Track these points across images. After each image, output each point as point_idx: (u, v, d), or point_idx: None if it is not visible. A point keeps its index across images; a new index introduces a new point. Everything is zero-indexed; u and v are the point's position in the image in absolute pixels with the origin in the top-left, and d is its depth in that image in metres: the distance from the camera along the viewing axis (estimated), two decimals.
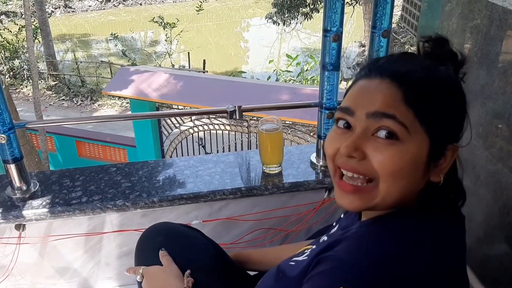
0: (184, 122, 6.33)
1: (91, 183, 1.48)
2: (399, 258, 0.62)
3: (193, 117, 6.10)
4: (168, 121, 6.41)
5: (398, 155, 0.65)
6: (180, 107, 6.23)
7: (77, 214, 1.39)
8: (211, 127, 6.13)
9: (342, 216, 0.91)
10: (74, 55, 16.09)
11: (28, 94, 11.82)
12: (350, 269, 0.62)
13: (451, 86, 0.70)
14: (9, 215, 1.36)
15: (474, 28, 1.22)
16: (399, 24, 14.83)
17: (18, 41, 12.72)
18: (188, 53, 12.79)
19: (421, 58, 0.73)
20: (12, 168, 1.38)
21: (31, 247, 1.49)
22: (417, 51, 0.74)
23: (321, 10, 2.21)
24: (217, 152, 6.41)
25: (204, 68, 11.42)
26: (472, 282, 1.17)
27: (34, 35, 10.71)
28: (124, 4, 20.76)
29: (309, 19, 13.13)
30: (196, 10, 11.94)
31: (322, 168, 1.52)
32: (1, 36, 12.37)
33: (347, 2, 13.24)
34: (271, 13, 13.62)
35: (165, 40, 12.44)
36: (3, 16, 15.10)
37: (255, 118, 5.68)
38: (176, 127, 6.43)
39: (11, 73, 12.70)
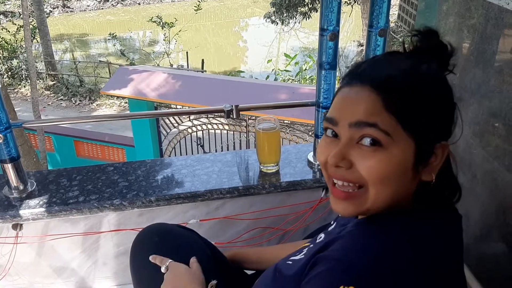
0: (182, 122, 6.33)
1: (88, 183, 1.48)
2: (393, 256, 0.62)
3: (192, 117, 6.10)
4: (167, 120, 6.41)
5: (384, 161, 0.66)
6: (178, 106, 6.23)
7: (74, 213, 1.39)
8: (209, 126, 6.14)
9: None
10: (73, 55, 16.09)
11: (26, 94, 11.81)
12: (347, 268, 0.62)
13: (433, 85, 0.69)
14: (6, 214, 1.36)
15: (471, 27, 1.22)
16: (397, 24, 14.84)
17: (16, 41, 12.71)
18: (187, 52, 12.79)
19: (403, 58, 0.72)
20: (9, 167, 1.38)
21: (28, 247, 1.48)
22: (403, 49, 0.74)
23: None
24: (216, 151, 6.41)
25: (202, 67, 11.43)
26: (468, 280, 1.17)
27: (32, 35, 10.71)
28: (122, 3, 20.75)
29: (307, 18, 13.12)
30: (195, 10, 11.93)
31: (319, 167, 1.52)
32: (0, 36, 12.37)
33: (345, 2, 13.25)
34: (270, 12, 13.63)
35: (164, 40, 12.44)
36: (1, 16, 15.08)
37: (253, 118, 5.68)
38: (174, 127, 6.43)
39: (9, 73, 12.68)
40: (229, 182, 1.46)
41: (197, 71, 10.07)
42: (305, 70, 11.31)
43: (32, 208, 1.37)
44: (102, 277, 1.60)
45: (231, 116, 1.49)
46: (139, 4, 20.92)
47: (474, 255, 1.20)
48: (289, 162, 1.55)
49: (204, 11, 14.89)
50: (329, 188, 0.74)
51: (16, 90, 12.32)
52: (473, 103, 1.19)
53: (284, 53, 12.94)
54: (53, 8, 19.73)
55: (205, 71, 11.37)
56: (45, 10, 14.05)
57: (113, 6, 20.67)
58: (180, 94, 6.05)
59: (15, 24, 12.51)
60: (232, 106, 1.47)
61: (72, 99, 11.81)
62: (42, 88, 12.13)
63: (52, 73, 12.79)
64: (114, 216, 1.47)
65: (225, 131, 6.21)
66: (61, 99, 11.90)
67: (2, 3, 16.51)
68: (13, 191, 1.42)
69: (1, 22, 13.96)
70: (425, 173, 0.70)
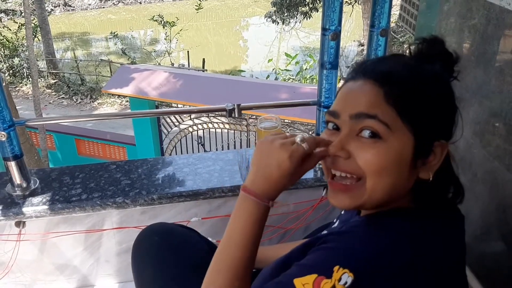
0: (183, 121, 6.34)
1: (91, 181, 1.49)
2: (392, 254, 0.63)
3: (193, 116, 6.10)
4: (168, 119, 6.41)
5: (382, 153, 0.67)
6: (179, 105, 6.24)
7: (77, 211, 1.40)
8: (210, 125, 6.14)
9: (342, 212, 0.92)
10: (74, 53, 16.08)
11: (28, 92, 11.81)
12: (349, 254, 0.63)
13: (435, 84, 0.70)
14: (9, 212, 1.37)
15: (472, 27, 1.23)
16: (398, 24, 14.82)
17: (18, 39, 12.71)
18: (188, 51, 12.79)
19: (407, 58, 0.74)
20: (13, 165, 1.39)
21: (31, 244, 1.49)
22: (409, 53, 0.75)
23: (321, 9, 2.22)
24: (216, 150, 6.41)
25: (203, 66, 11.42)
26: (468, 279, 1.17)
27: (34, 33, 10.69)
28: (123, 2, 20.73)
29: (308, 18, 13.11)
30: (196, 9, 11.92)
31: (320, 166, 1.53)
32: (1, 34, 12.34)
33: (346, 1, 13.24)
34: (271, 12, 13.61)
35: (165, 39, 12.43)
36: (2, 14, 15.06)
37: (254, 117, 5.68)
38: (175, 126, 6.43)
39: (11, 71, 12.68)
40: (230, 180, 1.47)
41: (198, 70, 10.07)
42: (305, 69, 11.31)
43: (35, 206, 1.38)
44: (105, 275, 1.61)
45: (233, 115, 1.49)
46: (140, 3, 20.90)
47: (474, 253, 1.21)
48: None
49: (205, 10, 14.87)
50: (328, 182, 0.75)
51: (17, 88, 12.33)
52: (473, 103, 1.19)
53: (285, 53, 12.93)
54: (55, 7, 19.73)
55: (206, 70, 11.37)
56: (46, 8, 14.04)
57: (115, 4, 20.65)
58: (181, 93, 6.06)
59: (17, 23, 12.50)
60: (234, 105, 1.48)
61: (74, 97, 11.81)
62: (44, 86, 12.13)
63: (53, 71, 12.79)
64: (116, 214, 1.48)
65: (226, 130, 6.22)
66: (63, 97, 11.90)
67: (4, 1, 16.52)
68: (16, 189, 1.43)
69: (2, 20, 13.93)
70: (423, 171, 0.71)
